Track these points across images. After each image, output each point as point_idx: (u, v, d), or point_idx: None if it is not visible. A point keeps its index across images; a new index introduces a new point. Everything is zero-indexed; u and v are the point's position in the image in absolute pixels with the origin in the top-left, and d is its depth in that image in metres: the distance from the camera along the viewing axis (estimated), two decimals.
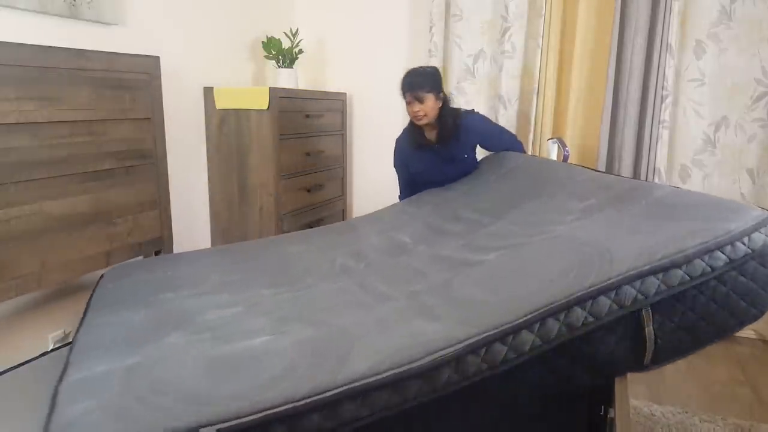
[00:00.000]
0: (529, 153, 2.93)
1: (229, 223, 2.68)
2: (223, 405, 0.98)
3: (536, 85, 2.85)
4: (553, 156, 2.53)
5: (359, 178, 3.43)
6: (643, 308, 1.27)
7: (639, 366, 1.33)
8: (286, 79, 2.88)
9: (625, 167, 2.74)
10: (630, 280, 1.25)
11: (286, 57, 2.89)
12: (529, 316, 1.18)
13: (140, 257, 2.14)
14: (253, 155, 2.57)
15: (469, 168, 2.40)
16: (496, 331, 1.15)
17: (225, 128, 2.60)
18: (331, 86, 3.35)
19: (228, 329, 1.33)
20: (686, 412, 2.02)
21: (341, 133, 3.19)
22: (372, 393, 1.03)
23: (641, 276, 1.25)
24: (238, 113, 2.56)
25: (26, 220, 1.68)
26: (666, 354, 1.33)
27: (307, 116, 2.80)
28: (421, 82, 2.22)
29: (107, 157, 1.95)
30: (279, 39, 2.88)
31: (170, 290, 1.64)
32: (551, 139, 2.59)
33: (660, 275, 1.26)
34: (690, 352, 1.37)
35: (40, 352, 1.67)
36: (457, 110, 2.36)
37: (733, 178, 2.62)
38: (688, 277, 1.28)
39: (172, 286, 1.68)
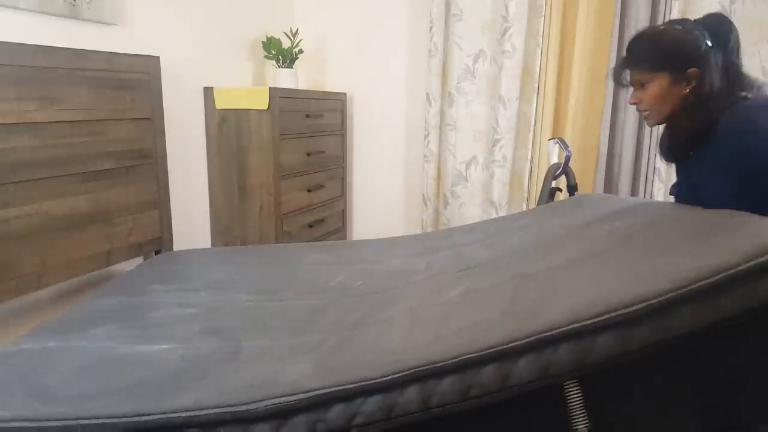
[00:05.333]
0: (529, 153, 2.93)
1: (229, 223, 2.68)
2: (55, 406, 0.99)
3: (536, 85, 2.85)
4: (554, 157, 2.53)
5: (359, 178, 3.43)
6: (565, 384, 1.00)
7: None
8: (286, 79, 2.88)
9: (625, 167, 2.74)
10: (537, 346, 0.96)
11: (286, 57, 2.89)
12: (373, 381, 0.97)
13: (140, 258, 2.14)
14: (253, 155, 2.57)
15: (714, 202, 1.33)
16: (338, 388, 0.97)
17: (225, 128, 2.60)
18: (331, 86, 3.35)
19: (155, 331, 1.33)
20: None
21: (341, 133, 3.19)
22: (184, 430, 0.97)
23: (549, 342, 0.96)
24: (238, 113, 2.56)
25: (26, 220, 1.68)
26: None
27: (307, 116, 2.80)
28: (638, 54, 1.37)
29: (107, 157, 1.95)
30: (279, 39, 2.88)
31: (161, 282, 1.66)
32: (552, 139, 2.58)
33: (584, 340, 0.95)
34: None
35: None
36: (728, 101, 1.29)
37: None
38: (630, 346, 0.95)
39: (168, 279, 1.70)
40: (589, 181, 2.86)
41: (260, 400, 0.97)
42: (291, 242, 2.71)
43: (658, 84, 1.33)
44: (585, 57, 2.79)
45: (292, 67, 2.92)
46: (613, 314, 0.96)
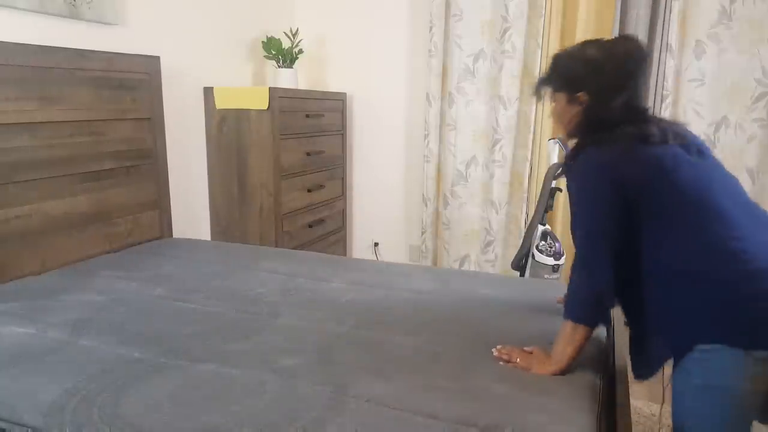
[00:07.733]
0: (529, 153, 2.93)
1: (229, 223, 2.68)
2: None
3: None
4: (554, 156, 2.53)
5: (359, 178, 3.43)
6: None
7: None
8: (286, 79, 2.88)
9: None
10: None
11: (286, 57, 2.89)
12: None
13: None
14: (253, 155, 2.57)
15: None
16: None
17: (225, 128, 2.60)
18: (331, 86, 3.35)
19: (45, 314, 1.43)
20: None
21: (341, 133, 3.19)
22: None
23: None
24: (238, 113, 2.56)
25: (26, 220, 1.68)
26: None
27: (307, 116, 2.80)
28: (548, 73, 1.38)
29: (107, 157, 1.95)
30: (279, 39, 2.88)
31: (112, 269, 1.80)
32: (552, 139, 2.58)
33: None
34: None
35: None
36: (603, 136, 1.24)
37: None
38: None
39: (123, 266, 1.84)
40: None
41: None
42: (291, 242, 2.72)
43: (558, 102, 1.35)
44: None
45: (292, 67, 2.92)
46: None
